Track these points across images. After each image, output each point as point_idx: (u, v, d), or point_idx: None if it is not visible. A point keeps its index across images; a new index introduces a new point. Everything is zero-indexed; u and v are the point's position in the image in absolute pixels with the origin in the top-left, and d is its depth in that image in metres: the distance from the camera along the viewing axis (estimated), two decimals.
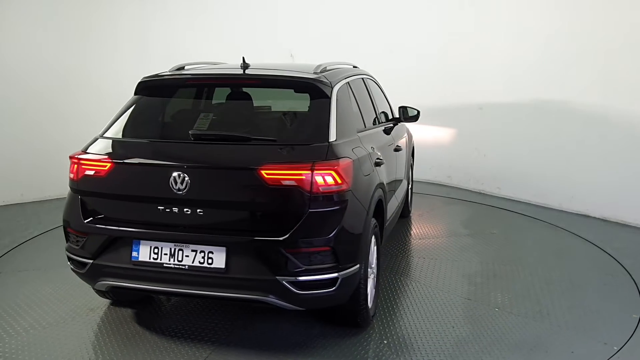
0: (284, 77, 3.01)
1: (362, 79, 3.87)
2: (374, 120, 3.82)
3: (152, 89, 3.09)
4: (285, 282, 2.46)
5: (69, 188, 2.89)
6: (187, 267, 2.57)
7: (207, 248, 2.55)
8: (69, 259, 2.86)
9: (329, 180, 2.50)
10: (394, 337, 2.94)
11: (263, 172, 2.47)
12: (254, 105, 3.24)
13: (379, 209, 3.17)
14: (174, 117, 3.16)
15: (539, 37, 5.65)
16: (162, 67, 3.27)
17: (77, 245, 2.79)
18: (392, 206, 3.81)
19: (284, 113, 3.42)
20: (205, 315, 3.15)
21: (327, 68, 3.16)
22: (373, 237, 3.01)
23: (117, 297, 3.23)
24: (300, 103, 3.08)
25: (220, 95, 3.30)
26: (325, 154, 2.55)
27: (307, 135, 2.73)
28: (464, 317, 3.18)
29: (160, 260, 2.60)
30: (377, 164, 3.19)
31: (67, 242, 2.89)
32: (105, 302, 3.30)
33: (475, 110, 6.34)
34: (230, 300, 2.88)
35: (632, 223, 5.11)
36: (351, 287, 2.69)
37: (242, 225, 2.58)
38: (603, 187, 5.26)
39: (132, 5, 6.20)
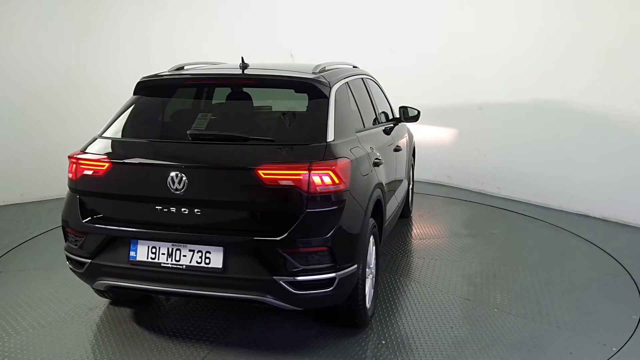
0: (282, 77, 3.01)
1: (362, 79, 3.86)
2: (374, 120, 3.82)
3: (151, 89, 3.10)
4: (283, 282, 2.46)
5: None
6: (184, 266, 2.57)
7: (204, 248, 2.56)
8: (68, 258, 2.87)
9: (327, 180, 2.50)
10: (392, 338, 2.93)
11: (260, 172, 2.47)
12: (255, 105, 3.24)
13: (378, 209, 3.17)
14: (173, 117, 3.17)
15: (539, 37, 5.64)
16: (162, 67, 3.27)
17: (76, 245, 2.80)
18: (392, 206, 3.80)
19: (283, 113, 3.41)
20: (204, 315, 3.16)
21: (326, 68, 3.16)
22: (372, 237, 3.01)
23: (116, 296, 3.24)
24: (300, 103, 3.08)
25: (221, 95, 3.30)
26: (323, 154, 2.55)
27: (305, 135, 2.73)
28: (463, 317, 3.18)
29: (158, 260, 2.60)
30: (376, 164, 3.18)
31: (65, 242, 2.89)
32: (104, 301, 3.30)
33: (475, 110, 6.33)
34: (227, 300, 2.88)
35: (632, 223, 5.10)
36: (349, 288, 2.69)
37: (240, 225, 2.58)
38: (603, 187, 5.26)
39: (132, 5, 6.21)
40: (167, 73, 3.12)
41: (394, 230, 4.66)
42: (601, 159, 5.24)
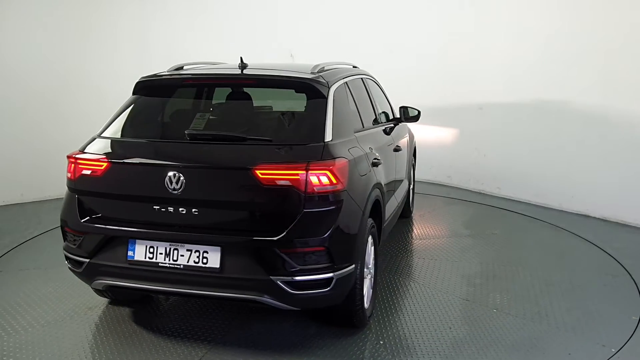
0: (280, 77, 3.01)
1: (362, 79, 3.86)
2: (374, 120, 3.81)
3: (149, 89, 3.10)
4: (280, 282, 2.46)
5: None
6: (182, 266, 2.58)
7: (202, 248, 2.56)
8: (67, 258, 2.88)
9: (324, 180, 2.49)
10: (391, 338, 2.93)
11: (258, 172, 2.47)
12: (256, 105, 3.24)
13: (377, 209, 3.16)
14: (171, 117, 3.17)
15: (539, 37, 5.63)
16: (162, 67, 3.27)
17: (74, 245, 2.80)
18: (391, 206, 3.80)
19: (282, 113, 3.41)
20: (202, 315, 3.16)
21: (325, 68, 3.16)
22: (370, 237, 3.01)
23: (115, 296, 3.24)
24: (299, 103, 3.08)
25: (221, 95, 3.31)
26: (321, 154, 2.55)
27: (303, 135, 2.73)
28: (461, 318, 3.17)
29: (156, 259, 2.60)
30: (375, 164, 3.18)
31: (64, 241, 2.90)
32: (103, 301, 3.31)
33: (475, 110, 6.33)
34: (225, 300, 2.89)
35: (632, 223, 5.10)
36: (346, 288, 2.68)
37: (237, 225, 2.58)
38: (603, 187, 5.25)
39: (132, 5, 6.21)
40: (166, 73, 3.12)
41: (394, 230, 4.66)
42: (601, 159, 5.24)
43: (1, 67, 5.51)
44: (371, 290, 3.12)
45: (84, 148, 2.86)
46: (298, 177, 2.46)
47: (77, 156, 2.81)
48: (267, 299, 2.50)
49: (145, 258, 2.62)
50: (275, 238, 2.45)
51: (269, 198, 2.52)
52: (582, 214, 5.42)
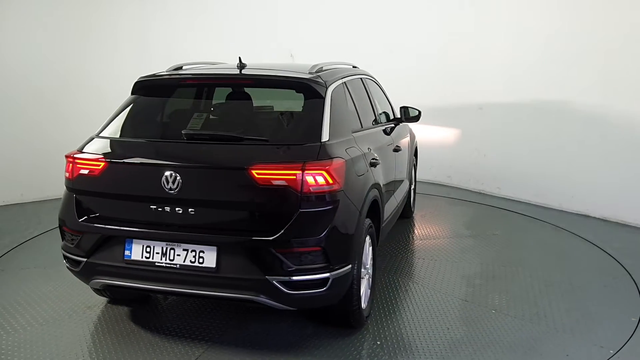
0: (278, 77, 3.01)
1: (361, 79, 3.86)
2: (373, 120, 3.81)
3: (148, 89, 3.11)
4: (276, 282, 2.46)
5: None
6: (178, 266, 2.58)
7: (198, 247, 2.56)
8: (65, 257, 2.89)
9: (320, 180, 2.49)
10: (388, 338, 2.92)
11: (254, 172, 2.47)
12: (257, 105, 3.24)
13: (375, 209, 3.16)
14: (170, 117, 3.17)
15: (539, 37, 5.62)
16: (162, 67, 3.27)
17: (72, 244, 2.81)
18: (390, 207, 3.79)
19: (281, 113, 3.42)
20: (200, 315, 3.16)
21: (324, 68, 3.16)
22: (368, 237, 3.00)
23: (113, 295, 3.25)
24: (297, 103, 3.08)
25: (221, 95, 3.31)
26: (317, 154, 2.55)
27: (300, 135, 2.73)
28: (459, 318, 3.16)
29: (152, 259, 2.61)
30: (373, 165, 3.17)
31: (62, 241, 2.90)
32: (102, 300, 3.32)
33: (475, 110, 6.32)
34: (221, 300, 2.89)
35: (632, 223, 5.08)
36: (343, 288, 2.68)
37: (233, 224, 2.58)
38: (603, 187, 5.24)
39: (132, 5, 6.22)
40: (165, 73, 3.13)
41: (395, 231, 4.65)
42: (601, 159, 5.22)
43: (1, 67, 5.52)
44: (369, 291, 3.12)
45: (82, 148, 2.87)
46: (294, 177, 2.46)
47: (75, 156, 2.82)
48: (263, 299, 2.50)
49: (142, 257, 2.62)
50: (271, 238, 2.45)
51: (265, 198, 2.51)
52: (582, 214, 5.41)
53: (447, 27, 6.45)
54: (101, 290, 3.14)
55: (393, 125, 4.17)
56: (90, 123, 3.55)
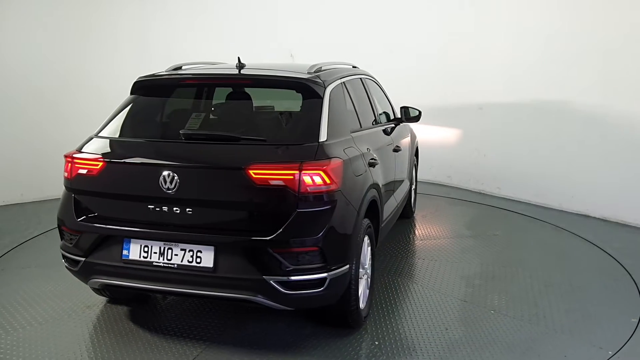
0: (276, 77, 3.01)
1: (361, 79, 3.85)
2: (373, 120, 3.80)
3: (147, 89, 3.11)
4: (273, 281, 2.46)
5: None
6: (176, 265, 2.58)
7: (195, 247, 2.56)
8: (64, 256, 2.89)
9: (317, 180, 2.49)
10: (386, 339, 2.92)
11: (251, 171, 2.47)
12: (257, 105, 3.24)
13: (374, 209, 3.15)
14: (168, 117, 3.17)
15: (539, 37, 5.62)
16: (162, 67, 3.28)
17: (71, 244, 2.81)
18: (390, 207, 3.78)
19: (280, 113, 3.42)
20: (199, 314, 3.16)
21: (322, 68, 3.15)
22: (366, 237, 3.00)
23: (113, 294, 3.25)
24: (296, 103, 3.08)
25: (221, 95, 3.31)
26: (314, 154, 2.55)
27: (298, 135, 2.73)
28: (458, 319, 3.16)
29: (150, 258, 2.61)
30: (371, 165, 3.17)
31: (61, 240, 2.91)
32: (102, 299, 3.32)
33: (475, 110, 6.31)
34: (218, 300, 2.89)
35: (632, 223, 5.08)
36: (341, 288, 2.68)
37: (231, 224, 2.58)
38: (603, 187, 5.23)
39: (132, 5, 6.22)
40: (163, 73, 3.13)
41: (396, 231, 4.65)
42: (601, 159, 5.22)
43: (1, 67, 5.53)
44: (367, 291, 3.11)
45: (81, 148, 2.88)
46: (291, 177, 2.45)
47: (73, 156, 2.83)
48: (260, 299, 2.50)
49: (139, 257, 2.62)
50: (268, 238, 2.45)
51: (262, 198, 2.51)
52: (582, 214, 5.40)
53: (447, 27, 6.44)
54: (100, 290, 3.16)
55: (393, 125, 4.17)
56: (90, 123, 3.55)
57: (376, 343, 2.88)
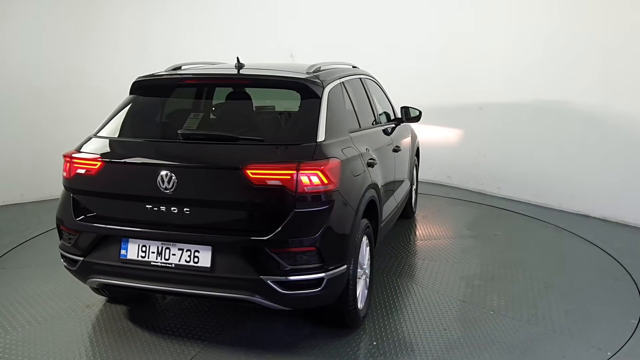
0: (274, 77, 3.01)
1: (360, 79, 3.85)
2: (373, 120, 3.80)
3: (146, 89, 3.11)
4: (270, 281, 2.46)
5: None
6: (173, 265, 2.58)
7: (193, 247, 2.56)
8: (62, 256, 2.90)
9: (315, 180, 2.49)
10: (384, 339, 2.92)
11: (248, 171, 2.47)
12: (258, 105, 3.24)
13: (372, 209, 3.15)
14: (167, 116, 3.17)
15: (539, 37, 5.61)
16: (162, 67, 3.28)
17: (69, 243, 2.82)
18: (389, 207, 3.77)
19: (280, 113, 3.41)
20: (197, 314, 3.16)
21: (321, 68, 3.15)
22: (365, 237, 2.99)
23: (112, 294, 3.26)
24: (295, 103, 3.07)
25: (221, 95, 3.31)
26: (312, 154, 2.55)
27: (296, 135, 2.73)
28: (457, 319, 3.15)
29: (148, 258, 2.61)
30: (370, 165, 3.17)
31: (60, 240, 2.91)
32: (101, 299, 3.33)
33: (475, 110, 6.31)
34: (216, 299, 2.89)
35: (632, 223, 5.07)
36: (338, 288, 2.68)
37: (228, 224, 2.58)
38: (603, 187, 5.22)
39: (132, 5, 6.22)
40: (162, 73, 3.13)
41: (396, 231, 4.65)
42: (601, 159, 5.21)
43: (1, 67, 5.53)
44: (366, 291, 3.11)
45: (80, 147, 2.88)
46: (289, 177, 2.45)
47: (72, 155, 2.83)
48: (257, 299, 2.50)
49: (137, 257, 2.63)
50: (265, 238, 2.45)
51: (259, 198, 2.51)
52: (582, 214, 5.39)
53: (447, 27, 6.44)
54: (99, 289, 3.16)
55: (393, 125, 4.16)
56: (90, 123, 3.55)
57: (374, 343, 2.87)
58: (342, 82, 3.28)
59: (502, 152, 6.13)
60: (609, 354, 2.79)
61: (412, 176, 4.89)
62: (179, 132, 2.74)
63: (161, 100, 3.17)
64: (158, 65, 3.51)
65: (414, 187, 5.14)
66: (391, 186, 3.87)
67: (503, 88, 5.98)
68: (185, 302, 3.31)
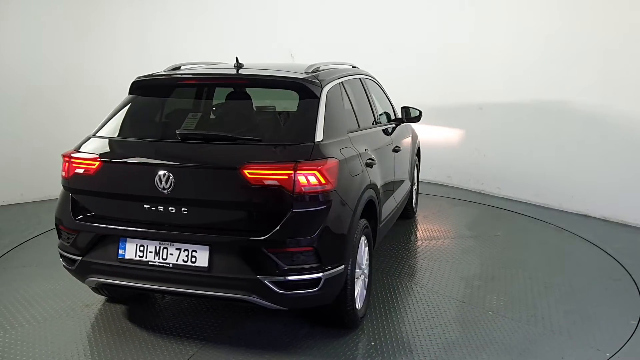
0: (273, 77, 3.00)
1: (360, 79, 3.84)
2: (373, 120, 3.80)
3: (145, 89, 3.12)
4: (268, 281, 2.46)
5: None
6: (171, 265, 2.58)
7: (190, 247, 2.56)
8: (61, 255, 2.90)
9: (312, 180, 2.49)
10: (383, 339, 2.91)
11: (246, 171, 2.47)
12: (259, 105, 3.23)
13: (372, 209, 3.15)
14: (165, 116, 3.17)
15: (539, 37, 5.60)
16: (162, 67, 3.28)
17: (68, 243, 2.82)
18: (389, 207, 3.77)
19: (278, 113, 3.41)
20: (196, 314, 3.16)
21: (320, 68, 3.15)
22: (364, 238, 2.99)
23: (111, 293, 3.26)
24: (294, 103, 3.07)
25: (221, 95, 3.31)
26: (310, 154, 2.54)
27: (294, 135, 2.73)
28: (456, 320, 3.15)
29: (146, 258, 2.61)
30: (369, 165, 3.16)
31: (59, 239, 2.91)
32: (101, 298, 3.33)
33: (475, 110, 6.30)
34: (214, 299, 2.89)
35: (632, 223, 5.06)
36: (336, 288, 2.67)
37: (225, 224, 2.58)
38: (603, 187, 5.22)
39: (131, 4, 6.23)
40: (161, 73, 3.13)
41: (397, 232, 4.64)
42: (601, 159, 5.20)
43: (1, 67, 5.54)
44: (365, 291, 3.11)
45: (79, 147, 2.88)
46: (286, 177, 2.45)
47: (71, 155, 2.83)
48: (255, 299, 2.50)
49: (135, 256, 2.63)
50: (263, 238, 2.45)
51: (257, 198, 2.51)
52: (582, 214, 5.39)
53: (447, 27, 6.43)
54: (98, 289, 3.17)
55: (394, 125, 4.15)
56: (90, 122, 3.56)
57: (372, 343, 2.87)
58: (341, 82, 3.28)
59: (502, 152, 6.13)
60: (607, 354, 2.78)
61: (412, 176, 4.88)
62: (176, 132, 2.74)
63: (160, 100, 3.17)
64: (158, 65, 3.51)
65: (415, 187, 5.13)
66: (391, 186, 3.86)
67: (503, 88, 5.98)
68: (184, 301, 3.31)
